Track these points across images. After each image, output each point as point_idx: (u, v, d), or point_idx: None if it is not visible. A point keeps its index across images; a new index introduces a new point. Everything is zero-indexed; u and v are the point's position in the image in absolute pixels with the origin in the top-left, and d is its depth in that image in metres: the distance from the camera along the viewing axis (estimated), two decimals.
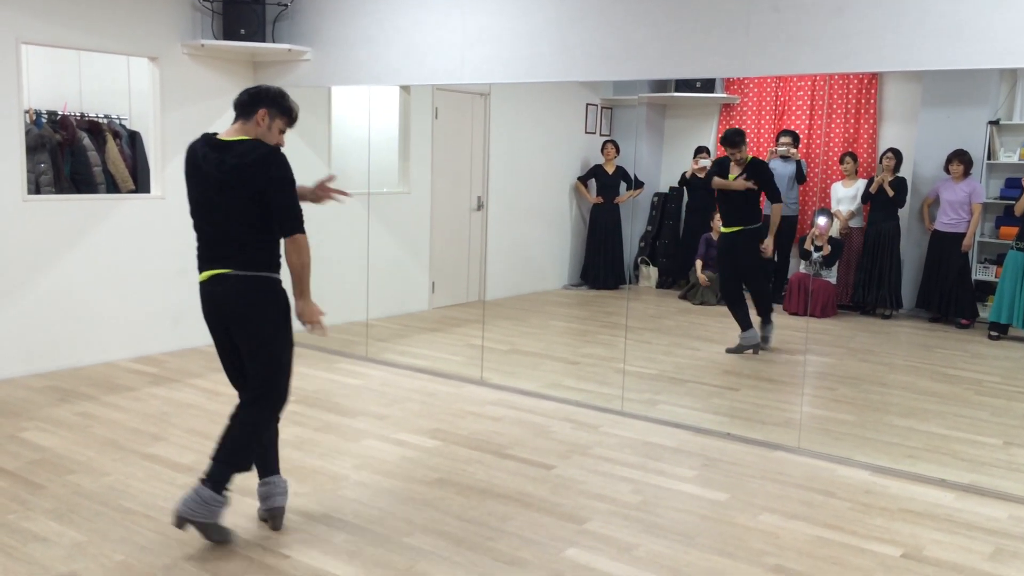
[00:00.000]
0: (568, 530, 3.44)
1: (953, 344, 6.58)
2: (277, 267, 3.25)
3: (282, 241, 3.21)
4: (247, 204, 3.14)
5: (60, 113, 6.23)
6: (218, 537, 3.21)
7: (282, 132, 3.28)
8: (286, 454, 4.20)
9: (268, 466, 3.37)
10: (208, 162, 3.20)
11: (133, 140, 6.53)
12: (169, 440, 4.36)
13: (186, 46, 6.03)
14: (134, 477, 3.86)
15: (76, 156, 6.14)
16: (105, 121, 6.43)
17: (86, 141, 6.18)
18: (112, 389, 5.24)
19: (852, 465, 4.26)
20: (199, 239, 3.27)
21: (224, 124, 6.30)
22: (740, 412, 5.07)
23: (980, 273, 7.00)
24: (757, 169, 6.49)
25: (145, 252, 5.99)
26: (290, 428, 4.59)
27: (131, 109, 6.73)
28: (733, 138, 6.41)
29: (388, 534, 3.37)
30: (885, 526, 3.58)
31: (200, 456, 4.14)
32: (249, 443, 3.22)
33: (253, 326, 3.21)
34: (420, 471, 4.04)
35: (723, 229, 6.60)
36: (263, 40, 6.11)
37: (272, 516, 3.38)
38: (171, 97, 6.03)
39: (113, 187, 6.33)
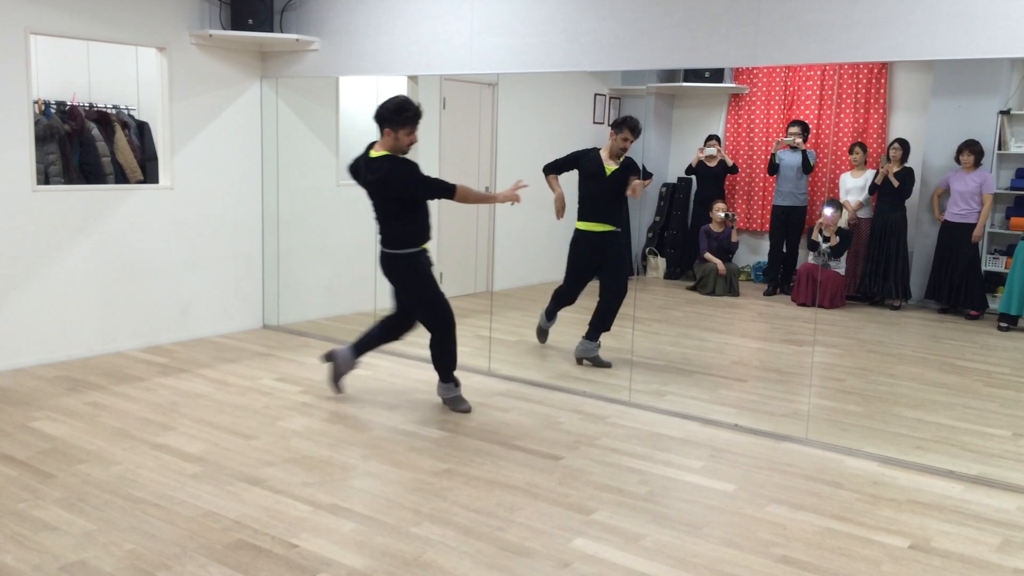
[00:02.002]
0: (575, 520, 3.45)
1: (962, 335, 6.56)
2: (412, 243, 4.62)
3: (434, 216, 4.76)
4: (389, 204, 4.54)
5: (69, 103, 6.24)
6: (462, 407, 4.84)
7: (409, 135, 4.52)
8: (295, 444, 4.22)
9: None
10: (361, 176, 4.62)
11: (142, 130, 6.54)
12: (178, 430, 4.39)
13: (194, 36, 6.03)
14: (143, 467, 3.88)
15: (85, 146, 6.15)
16: (114, 111, 6.44)
17: (95, 131, 6.19)
18: (122, 379, 5.26)
19: (860, 456, 4.26)
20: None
21: (230, 115, 6.34)
22: (748, 403, 5.07)
23: (990, 264, 6.97)
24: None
25: (154, 242, 6.01)
26: (298, 419, 4.61)
27: (139, 99, 6.74)
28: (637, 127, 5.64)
29: (396, 524, 3.38)
30: (893, 517, 3.57)
31: (208, 445, 4.16)
32: (443, 356, 4.81)
33: (403, 288, 4.74)
34: (428, 461, 4.05)
35: (592, 227, 5.75)
36: (271, 30, 6.11)
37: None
38: (179, 87, 6.04)
39: (122, 177, 6.34)
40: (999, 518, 3.60)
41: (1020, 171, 6.89)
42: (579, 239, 5.82)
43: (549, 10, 5.12)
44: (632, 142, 6.10)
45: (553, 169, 5.85)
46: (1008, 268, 6.65)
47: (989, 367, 5.86)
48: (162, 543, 3.17)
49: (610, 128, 5.73)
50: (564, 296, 5.94)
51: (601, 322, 5.77)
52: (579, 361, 5.82)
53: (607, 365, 5.74)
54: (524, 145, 7.92)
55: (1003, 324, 6.61)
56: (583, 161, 5.72)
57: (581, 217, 5.79)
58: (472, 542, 3.24)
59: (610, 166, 5.66)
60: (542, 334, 6.21)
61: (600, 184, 5.67)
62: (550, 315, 6.09)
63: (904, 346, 6.50)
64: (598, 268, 5.82)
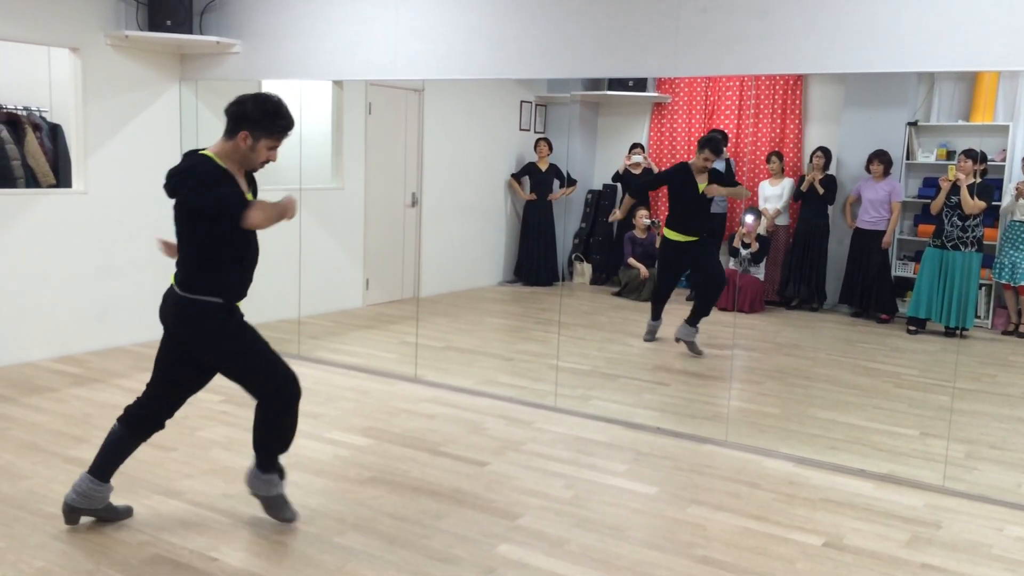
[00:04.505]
0: (501, 526, 3.47)
1: (873, 338, 6.81)
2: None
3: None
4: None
5: None
6: (283, 515, 3.39)
7: (271, 151, 3.24)
8: (215, 455, 4.13)
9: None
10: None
11: (54, 133, 6.33)
12: (92, 442, 4.24)
13: (109, 37, 5.87)
14: (55, 480, 3.75)
15: None
16: (24, 113, 6.21)
17: (4, 134, 5.97)
18: (32, 390, 5.07)
19: (777, 457, 4.38)
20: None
21: (148, 118, 6.19)
22: (670, 407, 5.16)
23: (899, 269, 7.25)
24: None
25: (67, 248, 5.81)
26: (219, 428, 4.51)
27: (52, 101, 6.52)
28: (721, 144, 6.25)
29: (319, 534, 3.34)
30: (807, 516, 3.69)
31: None
32: (269, 433, 3.34)
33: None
34: (353, 470, 4.01)
35: (683, 237, 6.27)
36: (190, 32, 5.98)
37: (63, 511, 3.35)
38: (94, 89, 5.86)
39: (33, 181, 6.12)
40: (907, 515, 3.75)
41: (927, 180, 7.19)
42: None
43: (474, 17, 5.14)
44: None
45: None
46: (916, 273, 6.94)
47: (898, 369, 6.09)
48: (74, 560, 3.07)
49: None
50: (661, 295, 6.56)
51: (701, 310, 6.26)
52: (677, 340, 6.33)
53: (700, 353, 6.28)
54: (450, 151, 7.94)
55: (912, 328, 6.89)
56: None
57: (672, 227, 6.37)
58: (397, 551, 3.23)
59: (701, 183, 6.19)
60: (650, 333, 6.68)
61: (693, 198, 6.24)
62: (656, 315, 6.60)
63: (819, 349, 6.71)
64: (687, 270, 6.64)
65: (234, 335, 3.25)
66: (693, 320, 6.24)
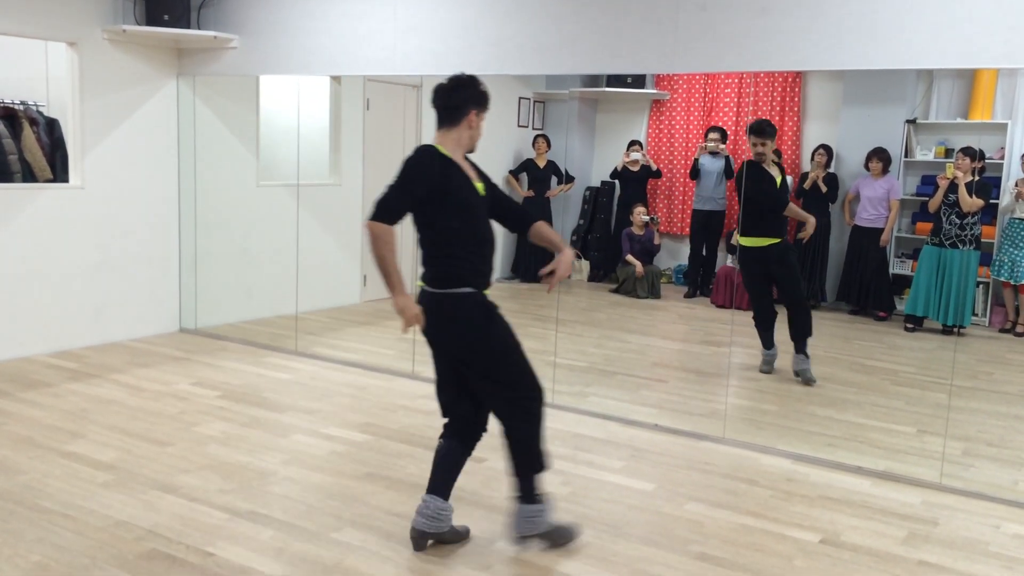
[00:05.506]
0: (497, 523, 3.46)
1: (871, 336, 6.81)
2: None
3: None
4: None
5: None
6: (563, 538, 3.25)
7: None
8: (211, 450, 4.12)
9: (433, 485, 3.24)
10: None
11: (51, 127, 6.30)
12: (88, 437, 4.24)
13: (107, 31, 5.85)
14: (51, 475, 3.75)
15: None
16: (21, 107, 6.19)
17: (1, 128, 5.94)
18: (29, 385, 5.06)
19: (774, 454, 4.38)
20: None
21: (145, 113, 6.17)
22: (668, 403, 5.16)
23: (897, 267, 7.25)
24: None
25: (64, 243, 5.80)
26: (215, 424, 4.51)
27: (49, 95, 6.50)
28: (766, 128, 5.62)
29: (316, 530, 3.34)
30: (805, 513, 3.69)
31: (120, 452, 4.03)
32: (527, 440, 3.19)
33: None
34: (350, 466, 4.01)
35: (761, 242, 5.66)
36: (187, 26, 5.96)
37: (411, 536, 3.22)
38: (91, 84, 5.84)
39: (30, 176, 6.10)
40: (905, 512, 3.75)
41: (925, 178, 7.19)
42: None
43: (472, 14, 5.13)
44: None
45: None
46: (914, 271, 6.93)
47: (896, 366, 6.09)
48: (71, 554, 3.06)
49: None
50: (763, 316, 5.76)
51: (798, 332, 5.64)
52: (796, 375, 5.68)
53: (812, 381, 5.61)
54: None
55: (909, 325, 6.88)
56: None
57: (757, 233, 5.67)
58: (394, 546, 3.22)
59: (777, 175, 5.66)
60: (767, 364, 5.88)
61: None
62: (768, 344, 5.83)
63: (817, 346, 6.69)
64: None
65: (493, 332, 3.16)
66: (800, 347, 5.68)
